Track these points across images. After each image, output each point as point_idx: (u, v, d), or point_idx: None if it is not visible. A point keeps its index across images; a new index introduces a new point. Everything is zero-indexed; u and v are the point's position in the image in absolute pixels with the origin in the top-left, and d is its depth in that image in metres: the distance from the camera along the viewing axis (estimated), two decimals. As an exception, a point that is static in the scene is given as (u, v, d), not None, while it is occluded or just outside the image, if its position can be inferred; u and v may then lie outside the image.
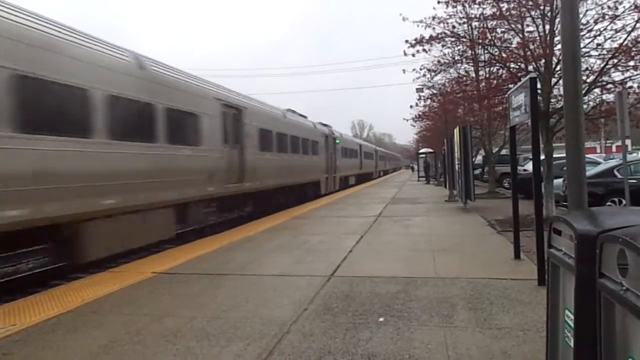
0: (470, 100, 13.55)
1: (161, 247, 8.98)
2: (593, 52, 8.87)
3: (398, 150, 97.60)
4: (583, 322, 1.80)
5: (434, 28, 9.79)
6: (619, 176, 10.22)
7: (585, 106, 8.72)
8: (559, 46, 7.12)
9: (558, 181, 10.25)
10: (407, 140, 79.14)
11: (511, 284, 4.77)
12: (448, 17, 9.84)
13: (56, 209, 6.13)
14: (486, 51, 10.60)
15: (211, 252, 7.32)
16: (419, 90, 16.04)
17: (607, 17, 8.39)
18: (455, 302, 4.26)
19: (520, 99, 5.51)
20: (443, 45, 10.53)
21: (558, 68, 8.66)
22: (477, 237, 8.07)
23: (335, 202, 16.42)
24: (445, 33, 9.90)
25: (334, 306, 4.26)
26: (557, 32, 8.62)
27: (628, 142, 11.83)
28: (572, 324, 1.93)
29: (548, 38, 8.94)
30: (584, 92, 8.21)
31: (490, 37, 9.79)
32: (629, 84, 8.90)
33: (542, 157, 7.38)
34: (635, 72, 8.66)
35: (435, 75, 12.22)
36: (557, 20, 8.32)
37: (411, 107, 18.75)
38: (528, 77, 5.27)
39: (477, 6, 9.60)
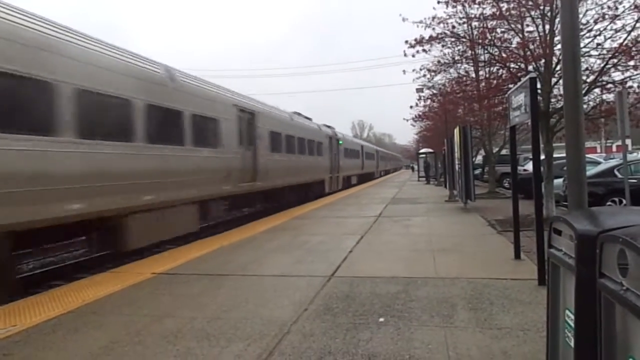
0: (470, 100, 13.54)
1: (162, 247, 9.00)
2: (593, 52, 8.88)
3: (398, 151, 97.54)
4: (583, 322, 1.80)
5: (433, 28, 9.80)
6: (619, 176, 10.22)
7: (585, 106, 8.72)
8: (559, 46, 7.12)
9: (558, 181, 10.24)
10: (407, 140, 79.24)
11: (511, 284, 4.77)
12: (448, 17, 9.84)
13: (106, 203, 7.05)
14: (486, 51, 10.60)
15: (211, 252, 7.33)
16: (419, 90, 16.04)
17: (607, 17, 8.39)
18: (455, 302, 4.26)
19: (520, 98, 5.51)
20: (443, 46, 10.55)
21: (558, 68, 8.65)
22: (477, 237, 8.07)
23: (335, 203, 16.43)
24: (445, 33, 9.90)
25: (334, 306, 4.26)
26: (557, 32, 8.62)
27: (628, 141, 11.81)
28: (572, 324, 1.93)
29: (548, 38, 8.94)
30: (584, 92, 8.22)
31: (490, 37, 9.79)
32: (629, 83, 8.91)
33: (542, 157, 7.38)
34: (635, 72, 8.66)
35: (435, 75, 12.23)
36: (557, 20, 8.32)
37: (411, 107, 18.75)
38: (528, 77, 5.27)
39: (477, 6, 9.60)
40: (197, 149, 9.61)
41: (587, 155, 6.05)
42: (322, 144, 21.51)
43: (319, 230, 9.42)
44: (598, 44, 8.76)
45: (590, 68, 8.98)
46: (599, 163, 14.16)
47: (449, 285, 4.83)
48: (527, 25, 9.75)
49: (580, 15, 8.11)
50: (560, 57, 6.35)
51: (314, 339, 3.48)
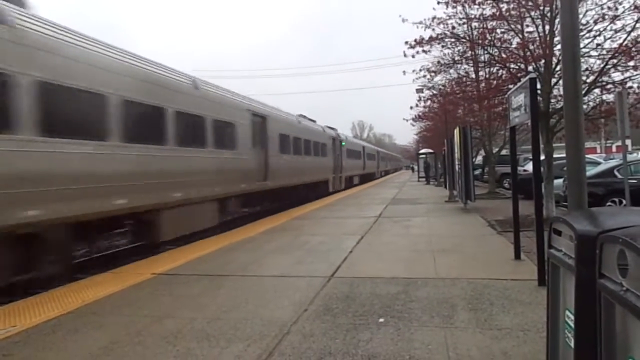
0: (470, 100, 13.55)
1: (162, 247, 9.00)
2: (593, 52, 8.88)
3: (398, 151, 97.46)
4: (583, 322, 1.80)
5: (433, 29, 9.80)
6: (619, 176, 10.22)
7: (585, 106, 8.72)
8: (559, 46, 7.12)
9: (558, 181, 10.24)
10: (407, 140, 79.11)
11: (511, 285, 4.77)
12: (448, 17, 9.84)
13: (144, 200, 7.92)
14: (486, 52, 10.61)
15: (211, 253, 7.33)
16: (419, 90, 16.04)
17: (607, 17, 8.39)
18: (455, 302, 4.26)
19: (520, 99, 5.51)
20: (443, 46, 10.55)
21: (558, 68, 8.65)
22: (477, 237, 8.07)
23: (335, 203, 16.43)
24: (445, 34, 9.91)
25: (334, 307, 4.26)
26: (556, 32, 8.62)
27: (628, 142, 11.83)
28: (572, 325, 1.93)
29: (548, 38, 8.94)
30: (584, 92, 8.21)
31: (490, 38, 9.79)
32: (629, 84, 8.91)
33: (542, 157, 7.37)
34: (635, 72, 8.66)
35: (435, 75, 12.24)
36: (557, 20, 8.32)
37: (411, 108, 18.74)
38: (528, 77, 5.27)
39: (476, 7, 9.62)
40: (218, 150, 10.56)
41: (587, 156, 6.05)
42: (326, 146, 22.32)
43: (319, 231, 9.42)
44: (598, 45, 8.77)
45: (590, 68, 8.98)
46: (598, 163, 14.15)
47: (449, 286, 4.83)
48: (527, 26, 9.76)
49: (580, 16, 8.11)
50: (560, 58, 6.34)
51: (314, 340, 3.48)
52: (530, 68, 9.20)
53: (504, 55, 9.81)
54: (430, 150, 33.37)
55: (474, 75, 14.81)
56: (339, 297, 4.58)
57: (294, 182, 16.63)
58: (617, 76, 8.99)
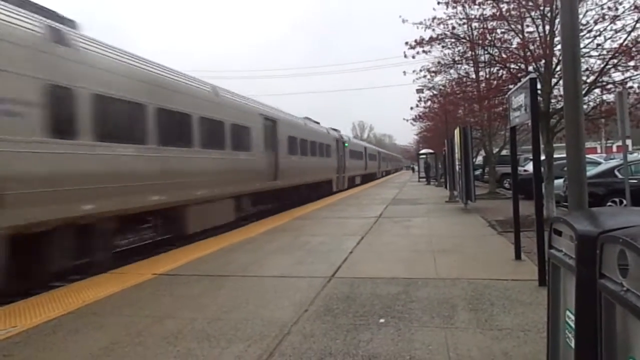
0: (470, 101, 13.54)
1: (163, 248, 9.02)
2: (593, 53, 8.87)
3: (398, 151, 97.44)
4: (584, 322, 1.80)
5: (433, 29, 9.79)
6: (620, 176, 10.21)
7: (585, 106, 8.71)
8: (559, 46, 7.12)
9: (559, 181, 10.24)
10: (407, 141, 79.02)
11: (512, 285, 4.77)
12: (448, 18, 9.83)
13: (174, 197, 8.69)
14: (486, 52, 10.60)
15: (212, 253, 7.33)
16: (419, 91, 16.04)
17: (607, 17, 8.39)
18: (456, 303, 4.26)
19: (520, 99, 5.51)
20: (443, 47, 10.54)
21: (558, 68, 8.65)
22: (477, 238, 8.07)
23: (336, 203, 16.44)
24: (445, 34, 9.90)
25: (334, 307, 4.26)
26: (557, 32, 8.62)
27: (628, 142, 11.82)
28: (572, 325, 1.93)
29: (548, 38, 8.94)
30: (584, 92, 8.21)
31: (490, 38, 9.79)
32: (629, 84, 8.90)
33: (543, 157, 7.38)
34: (635, 72, 8.65)
35: (436, 76, 12.24)
36: (557, 20, 8.32)
37: (412, 108, 18.73)
38: (528, 77, 5.27)
39: (477, 7, 9.61)
40: (235, 152, 11.43)
41: (587, 156, 6.05)
42: (330, 147, 23.19)
43: (319, 231, 9.42)
44: (598, 45, 8.77)
45: (590, 68, 8.98)
46: (599, 163, 14.14)
47: (450, 286, 4.83)
48: (527, 26, 9.75)
49: (580, 16, 8.11)
50: (560, 58, 6.35)
51: (315, 340, 3.48)
52: (530, 68, 9.20)
53: (504, 56, 9.81)
54: (431, 151, 33.36)
55: (474, 76, 14.79)
56: (340, 297, 4.58)
57: (301, 181, 17.51)
58: (617, 76, 9.00)
